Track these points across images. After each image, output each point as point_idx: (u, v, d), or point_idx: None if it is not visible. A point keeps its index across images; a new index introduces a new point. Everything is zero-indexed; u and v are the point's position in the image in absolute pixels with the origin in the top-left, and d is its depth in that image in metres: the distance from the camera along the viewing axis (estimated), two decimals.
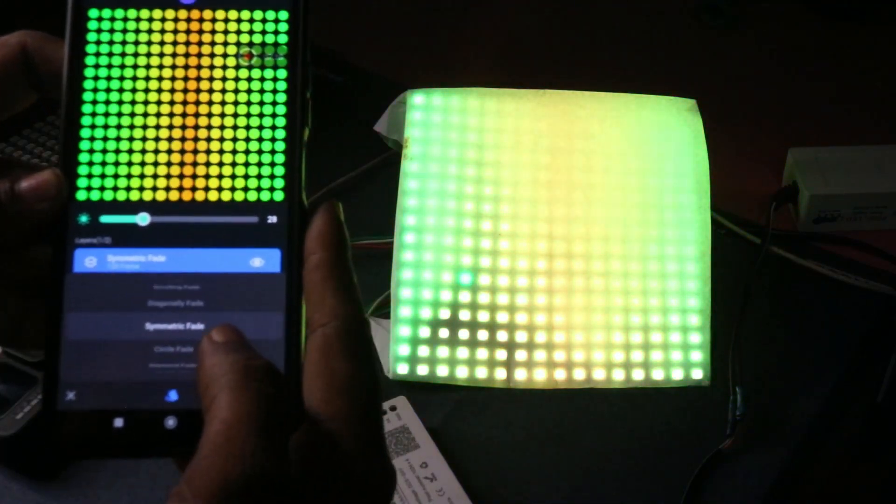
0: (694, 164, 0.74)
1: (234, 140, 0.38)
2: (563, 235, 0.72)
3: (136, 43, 0.39)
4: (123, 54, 0.39)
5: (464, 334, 0.70)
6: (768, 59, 1.00)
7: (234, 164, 0.38)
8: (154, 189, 0.38)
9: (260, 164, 0.38)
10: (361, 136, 0.77)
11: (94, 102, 0.38)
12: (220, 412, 0.32)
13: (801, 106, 0.95)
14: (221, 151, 0.38)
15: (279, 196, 0.38)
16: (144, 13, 0.39)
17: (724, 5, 1.03)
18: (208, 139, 0.38)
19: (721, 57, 1.00)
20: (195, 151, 0.38)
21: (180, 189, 0.38)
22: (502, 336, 0.70)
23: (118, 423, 0.36)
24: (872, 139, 0.86)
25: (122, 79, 0.38)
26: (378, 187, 0.80)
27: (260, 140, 0.38)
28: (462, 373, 0.70)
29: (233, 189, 0.38)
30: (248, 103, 0.39)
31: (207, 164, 0.38)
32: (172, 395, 0.36)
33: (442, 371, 0.70)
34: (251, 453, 0.32)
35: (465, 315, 0.70)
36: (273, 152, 0.38)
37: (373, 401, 0.36)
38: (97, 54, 0.39)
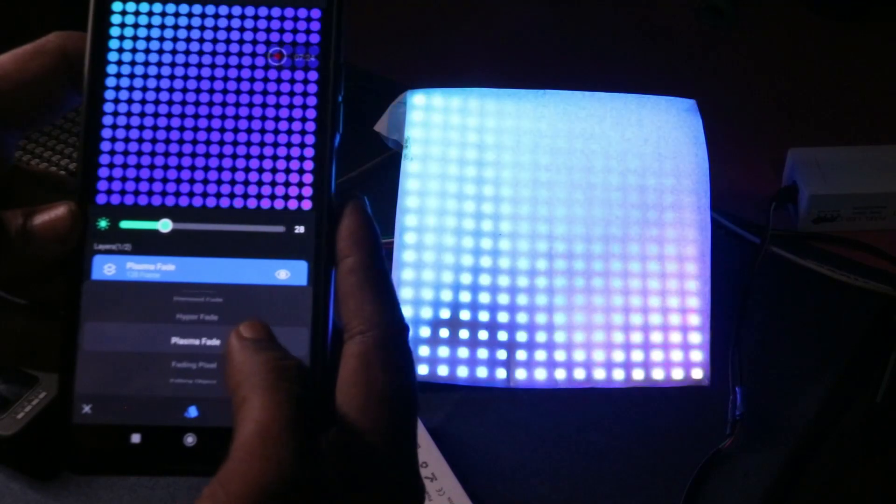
0: (694, 164, 0.74)
1: (262, 144, 0.37)
2: (564, 235, 0.72)
3: (161, 39, 0.37)
4: (147, 51, 0.37)
5: (464, 334, 0.70)
6: (768, 59, 1.00)
7: (260, 170, 0.36)
8: (177, 194, 0.36)
9: (288, 171, 0.37)
10: (361, 137, 0.77)
11: (117, 101, 0.37)
12: (253, 413, 0.32)
13: (801, 106, 0.95)
14: (248, 156, 0.37)
15: (307, 205, 0.36)
16: (170, 8, 0.37)
17: (724, 5, 1.03)
18: (235, 143, 0.37)
19: (721, 57, 1.00)
20: (221, 155, 0.37)
21: (204, 195, 0.36)
22: (503, 336, 0.70)
23: (135, 438, 0.35)
24: (872, 139, 0.86)
25: (145, 76, 0.37)
26: (378, 187, 0.80)
27: (289, 145, 0.37)
28: (462, 373, 0.70)
29: (259, 196, 0.36)
30: (277, 106, 0.37)
31: (233, 168, 0.36)
32: (192, 412, 0.35)
33: (442, 371, 0.70)
34: (289, 459, 0.31)
35: (465, 315, 0.70)
36: (302, 159, 0.37)
37: (409, 413, 0.35)
38: (120, 50, 0.37)
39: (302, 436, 0.32)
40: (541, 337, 0.71)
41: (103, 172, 0.36)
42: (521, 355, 0.70)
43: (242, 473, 0.31)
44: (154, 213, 0.36)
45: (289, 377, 0.33)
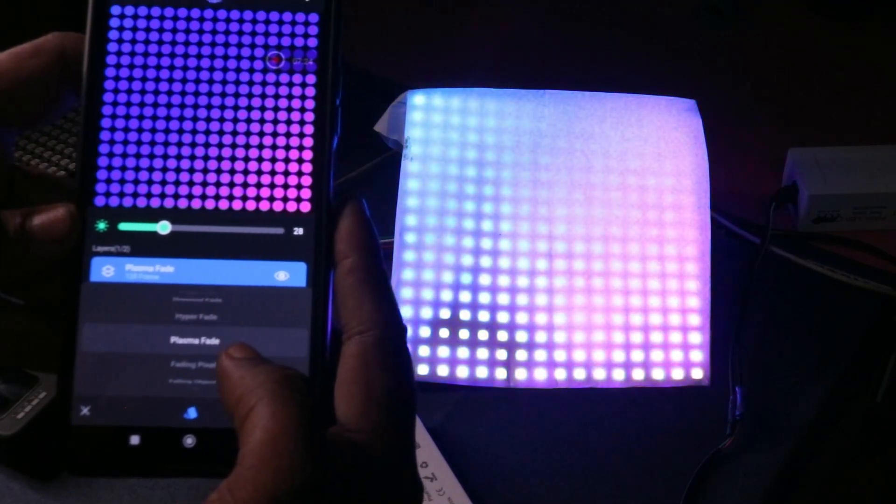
0: (694, 164, 0.74)
1: (261, 147, 0.37)
2: (564, 235, 0.72)
3: (160, 42, 0.37)
4: (146, 54, 0.37)
5: (464, 334, 0.70)
6: (768, 59, 1.00)
7: (259, 173, 0.37)
8: (176, 196, 0.36)
9: (287, 173, 0.37)
10: (361, 136, 0.77)
11: (115, 104, 0.37)
12: (262, 421, 0.32)
13: (801, 106, 0.95)
14: (247, 159, 0.37)
15: (306, 207, 0.36)
16: (169, 11, 0.37)
17: (724, 5, 1.02)
18: (233, 145, 0.37)
19: (721, 57, 1.00)
20: (219, 158, 0.37)
21: (203, 197, 0.36)
22: (503, 336, 0.70)
23: (134, 440, 0.35)
24: (872, 139, 0.86)
25: (144, 79, 0.37)
26: (378, 187, 0.80)
27: (287, 148, 0.37)
28: (462, 373, 0.70)
29: (258, 198, 0.36)
30: (276, 109, 0.37)
31: (232, 171, 0.37)
32: (191, 413, 0.35)
33: (442, 371, 0.70)
34: (300, 466, 0.31)
35: (465, 315, 0.70)
36: (300, 161, 0.37)
37: (408, 414, 0.35)
38: (119, 53, 0.37)
39: (311, 443, 0.32)
40: (541, 337, 0.71)
41: (102, 174, 0.36)
42: (521, 355, 0.70)
43: (252, 479, 0.31)
44: (153, 215, 0.36)
45: (295, 386, 0.33)
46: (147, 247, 0.36)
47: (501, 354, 0.70)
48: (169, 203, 0.36)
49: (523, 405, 0.70)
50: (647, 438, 0.68)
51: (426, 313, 0.70)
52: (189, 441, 0.35)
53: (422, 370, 0.70)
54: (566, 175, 0.73)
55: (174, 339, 0.36)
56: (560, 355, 0.70)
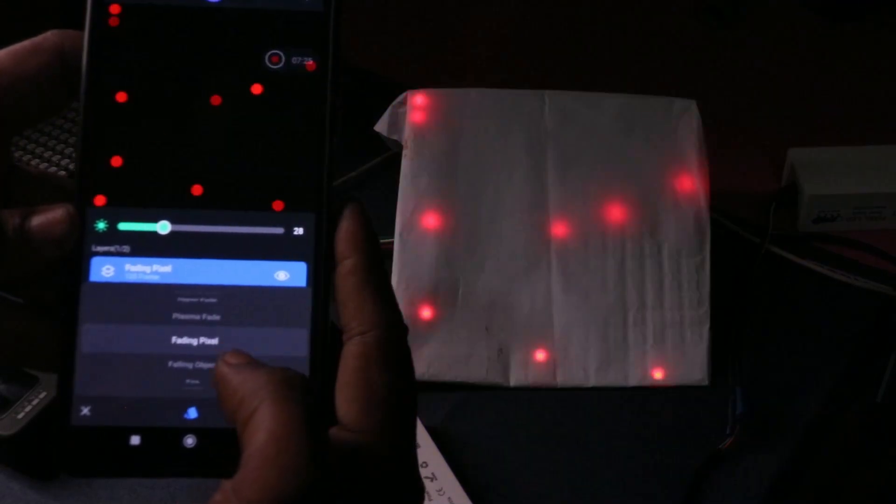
0: (694, 164, 0.74)
1: (260, 146, 0.36)
2: (563, 235, 0.72)
3: (159, 40, 0.37)
4: (145, 52, 0.36)
5: (463, 334, 0.70)
6: (768, 59, 1.00)
7: (259, 172, 0.36)
8: (175, 196, 0.36)
9: (287, 173, 0.36)
10: (361, 136, 0.77)
11: (115, 102, 0.36)
12: (265, 423, 0.32)
13: (801, 106, 0.94)
14: (247, 158, 0.36)
15: (306, 207, 0.36)
16: (168, 9, 0.37)
17: (724, 5, 1.02)
18: (233, 144, 0.36)
19: (721, 57, 1.00)
20: (219, 157, 0.36)
21: (203, 196, 0.36)
22: (502, 335, 0.70)
23: (134, 440, 0.35)
24: (872, 139, 0.86)
25: (143, 77, 0.36)
26: (378, 187, 0.80)
27: (287, 147, 0.36)
28: (462, 373, 0.70)
29: (258, 198, 0.36)
30: (276, 108, 0.37)
31: (232, 170, 0.36)
32: (192, 413, 0.35)
33: (441, 371, 0.70)
34: (304, 465, 0.31)
35: (464, 314, 0.70)
36: (301, 161, 0.36)
37: (409, 413, 0.35)
38: (118, 50, 0.36)
39: (315, 442, 0.32)
40: (540, 336, 0.71)
41: (101, 174, 0.36)
42: (520, 355, 0.70)
43: (256, 480, 0.31)
44: (152, 215, 0.36)
45: (296, 387, 0.33)
46: (147, 247, 0.36)
47: (501, 354, 0.70)
48: (169, 203, 0.36)
49: (523, 405, 0.70)
50: (647, 438, 0.68)
51: (426, 313, 0.70)
52: (189, 441, 0.35)
53: (421, 370, 0.70)
54: (565, 175, 0.74)
55: (174, 339, 0.35)
56: (560, 355, 0.70)
